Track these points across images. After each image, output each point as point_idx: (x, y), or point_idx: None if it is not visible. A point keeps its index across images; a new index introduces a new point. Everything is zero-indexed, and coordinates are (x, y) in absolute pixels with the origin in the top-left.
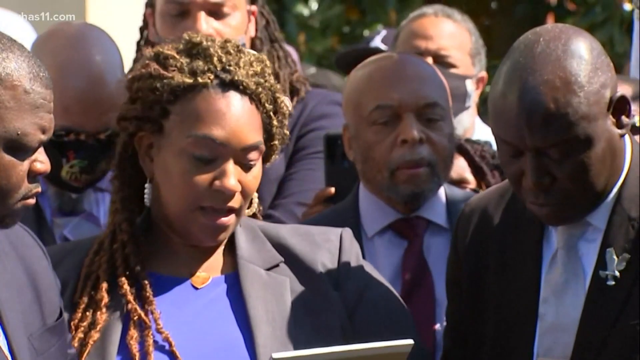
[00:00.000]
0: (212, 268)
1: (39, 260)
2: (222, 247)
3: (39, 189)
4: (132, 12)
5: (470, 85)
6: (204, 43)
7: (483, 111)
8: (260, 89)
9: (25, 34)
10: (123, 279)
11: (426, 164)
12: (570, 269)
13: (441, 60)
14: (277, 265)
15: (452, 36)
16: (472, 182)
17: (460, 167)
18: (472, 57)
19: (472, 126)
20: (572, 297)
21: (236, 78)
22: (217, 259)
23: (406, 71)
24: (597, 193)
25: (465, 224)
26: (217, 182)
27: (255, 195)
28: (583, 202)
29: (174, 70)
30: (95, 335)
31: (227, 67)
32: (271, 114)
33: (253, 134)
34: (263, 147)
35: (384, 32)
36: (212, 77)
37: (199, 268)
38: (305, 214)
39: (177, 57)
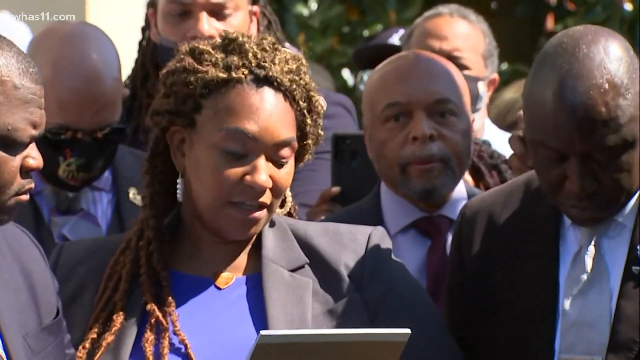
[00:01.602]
0: (237, 268)
1: (35, 261)
2: (248, 247)
3: (32, 185)
4: (132, 12)
5: (482, 87)
6: (240, 39)
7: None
8: (294, 86)
9: (20, 34)
10: (144, 278)
11: (437, 160)
12: (594, 266)
13: (455, 62)
14: (302, 267)
15: (467, 37)
16: (470, 182)
17: None
18: (484, 59)
19: (482, 128)
20: (596, 294)
21: (270, 74)
22: (242, 259)
23: (417, 69)
24: (632, 193)
25: (468, 228)
26: (247, 177)
27: (289, 194)
28: (620, 203)
29: (208, 65)
30: (109, 337)
31: (262, 63)
32: (305, 112)
33: (286, 130)
34: (296, 144)
35: (401, 31)
36: (246, 72)
37: (224, 268)
38: (309, 213)
39: (213, 52)
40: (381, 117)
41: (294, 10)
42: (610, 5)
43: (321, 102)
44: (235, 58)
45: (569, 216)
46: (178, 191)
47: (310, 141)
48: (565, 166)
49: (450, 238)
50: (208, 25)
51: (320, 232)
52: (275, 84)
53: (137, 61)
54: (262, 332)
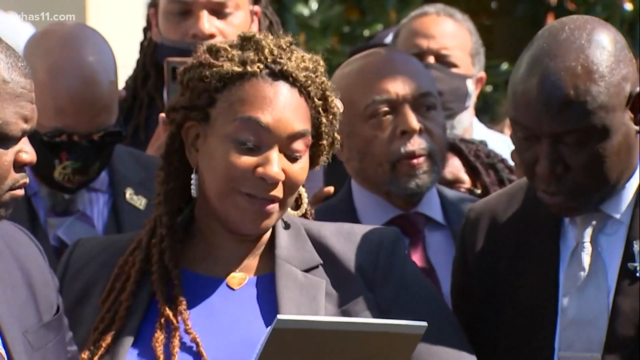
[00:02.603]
0: (250, 268)
1: (34, 259)
2: (261, 248)
3: (27, 180)
4: (132, 12)
5: (470, 85)
6: (257, 36)
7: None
8: (309, 82)
9: (27, 35)
10: (156, 276)
11: (427, 154)
12: (591, 263)
13: (443, 60)
14: (315, 267)
15: (454, 36)
16: (467, 181)
17: (455, 167)
18: (472, 57)
19: (471, 126)
20: (594, 291)
21: (286, 68)
22: (256, 260)
23: (397, 64)
24: (609, 186)
25: (472, 229)
26: (259, 169)
27: (305, 195)
28: (593, 194)
29: (224, 60)
30: (109, 338)
31: (278, 59)
32: (320, 109)
33: (299, 123)
34: (310, 138)
35: None
36: (261, 66)
37: (237, 268)
38: None
39: (229, 49)
40: (365, 113)
41: (294, 10)
42: (610, 5)
43: (337, 104)
44: (251, 53)
45: (543, 202)
46: (192, 187)
47: (325, 142)
48: (537, 147)
49: (427, 236)
50: (209, 24)
51: (334, 232)
52: (290, 78)
53: (138, 61)
54: (279, 317)
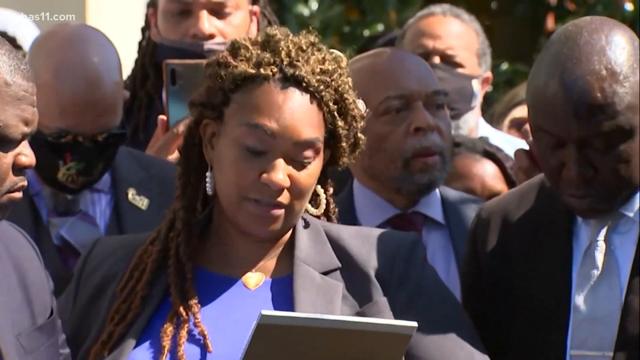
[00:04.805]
0: (268, 269)
1: (30, 260)
2: (280, 249)
3: (25, 183)
4: (133, 12)
5: (476, 85)
6: (277, 36)
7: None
8: (322, 87)
9: (30, 33)
10: (172, 270)
11: (439, 152)
12: (604, 261)
13: (449, 60)
14: (333, 270)
15: (460, 36)
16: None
17: (494, 176)
18: (478, 57)
19: (476, 126)
20: (607, 289)
21: (298, 73)
22: (274, 261)
23: (408, 62)
24: (635, 185)
25: (483, 228)
26: (264, 176)
27: (324, 196)
28: (621, 194)
29: (241, 60)
30: (121, 329)
31: (294, 62)
32: (335, 114)
33: (309, 130)
34: (321, 145)
35: None
36: (275, 70)
37: (255, 269)
38: None
39: (250, 47)
40: (379, 109)
41: (294, 10)
42: (610, 5)
43: (359, 105)
44: (268, 55)
45: (570, 207)
46: (207, 184)
47: (344, 144)
48: (563, 153)
49: (425, 235)
50: (209, 24)
51: (353, 235)
52: (303, 84)
53: (137, 61)
54: (263, 312)
